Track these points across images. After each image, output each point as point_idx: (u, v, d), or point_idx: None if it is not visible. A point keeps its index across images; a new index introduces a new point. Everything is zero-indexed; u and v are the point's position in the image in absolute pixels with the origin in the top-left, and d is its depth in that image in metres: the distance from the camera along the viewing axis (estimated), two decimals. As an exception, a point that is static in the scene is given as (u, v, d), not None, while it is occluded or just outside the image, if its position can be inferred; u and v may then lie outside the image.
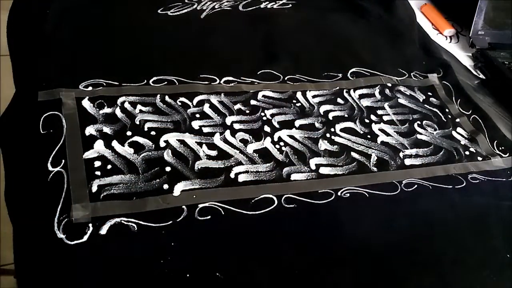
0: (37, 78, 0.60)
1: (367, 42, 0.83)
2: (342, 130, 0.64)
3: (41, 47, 0.65)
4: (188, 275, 0.45)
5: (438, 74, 0.79)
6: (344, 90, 0.71)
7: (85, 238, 0.45)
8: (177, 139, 0.57)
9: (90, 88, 0.60)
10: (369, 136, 0.64)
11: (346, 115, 0.67)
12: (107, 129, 0.56)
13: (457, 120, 0.71)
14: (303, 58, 0.75)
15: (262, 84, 0.68)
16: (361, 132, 0.64)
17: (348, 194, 0.55)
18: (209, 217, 0.50)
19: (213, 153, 0.56)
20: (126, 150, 0.54)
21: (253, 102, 0.65)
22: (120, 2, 0.78)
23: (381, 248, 0.51)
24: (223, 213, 0.50)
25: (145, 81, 0.63)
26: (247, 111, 0.63)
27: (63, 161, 0.51)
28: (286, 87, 0.68)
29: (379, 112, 0.69)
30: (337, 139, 0.62)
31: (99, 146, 0.54)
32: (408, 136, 0.66)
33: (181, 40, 0.73)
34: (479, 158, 0.65)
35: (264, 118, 0.63)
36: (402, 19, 0.90)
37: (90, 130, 0.55)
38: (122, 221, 0.47)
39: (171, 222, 0.48)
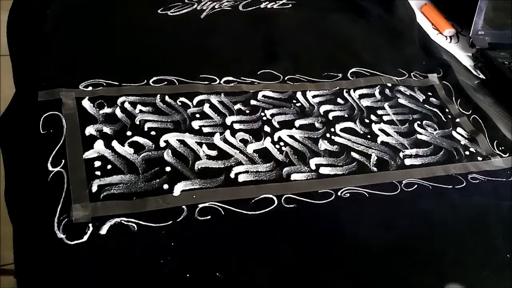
0: (37, 78, 0.60)
1: (367, 42, 0.83)
2: (342, 130, 0.64)
3: (41, 47, 0.65)
4: (188, 275, 0.45)
5: (438, 74, 0.79)
6: (344, 90, 0.71)
7: (85, 238, 0.45)
8: (177, 139, 0.57)
9: (90, 88, 0.60)
10: (369, 136, 0.64)
11: (346, 115, 0.67)
12: (107, 129, 0.56)
13: (457, 120, 0.71)
14: (303, 58, 0.75)
15: (262, 84, 0.68)
16: (361, 132, 0.64)
17: (348, 194, 0.55)
18: (209, 217, 0.50)
19: (213, 153, 0.56)
20: (126, 150, 0.54)
21: (253, 102, 0.65)
22: (120, 2, 0.78)
23: (381, 248, 0.51)
24: (223, 213, 0.50)
25: (145, 81, 0.63)
26: (247, 111, 0.63)
27: (63, 161, 0.51)
28: (286, 87, 0.68)
29: (379, 112, 0.69)
30: (337, 139, 0.62)
31: (99, 146, 0.54)
32: (408, 136, 0.66)
33: (181, 40, 0.73)
34: (479, 158, 0.65)
35: (264, 118, 0.63)
36: (402, 19, 0.90)
37: (90, 130, 0.55)
38: (122, 221, 0.47)
39: (171, 222, 0.48)
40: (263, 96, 0.66)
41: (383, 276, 0.49)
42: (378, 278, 0.49)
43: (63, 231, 0.45)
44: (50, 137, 0.53)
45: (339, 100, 0.69)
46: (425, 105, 0.72)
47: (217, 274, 0.45)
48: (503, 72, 0.81)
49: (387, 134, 0.65)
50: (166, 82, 0.64)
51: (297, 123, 0.63)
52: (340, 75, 0.73)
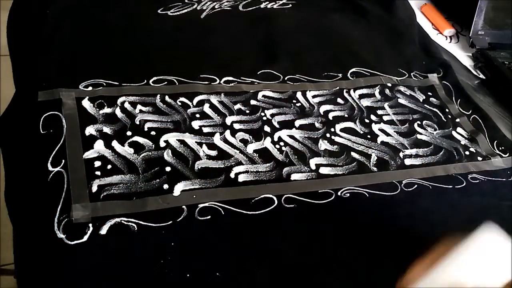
0: (37, 78, 0.60)
1: (367, 42, 0.83)
2: (342, 130, 0.64)
3: (41, 47, 0.65)
4: (188, 275, 0.45)
5: (438, 74, 0.79)
6: (344, 90, 0.71)
7: (85, 238, 0.45)
8: (177, 139, 0.57)
9: (90, 88, 0.60)
10: (369, 136, 0.64)
11: (346, 115, 0.67)
12: (107, 129, 0.56)
13: (457, 120, 0.71)
14: (303, 58, 0.75)
15: (262, 84, 0.68)
16: (361, 132, 0.64)
17: (348, 194, 0.55)
18: (209, 217, 0.50)
19: (213, 153, 0.56)
20: (126, 150, 0.54)
21: (253, 102, 0.65)
22: (120, 2, 0.78)
23: (381, 248, 0.51)
24: (223, 213, 0.50)
25: (145, 81, 0.63)
26: (247, 111, 0.63)
27: (63, 161, 0.51)
28: (286, 87, 0.68)
29: (379, 112, 0.69)
30: (337, 139, 0.62)
31: (99, 146, 0.54)
32: (408, 136, 0.66)
33: (181, 40, 0.73)
34: (479, 158, 0.65)
35: (264, 118, 0.63)
36: (402, 19, 0.90)
37: (90, 130, 0.55)
38: (122, 221, 0.47)
39: (171, 222, 0.48)
40: (263, 96, 0.66)
41: (383, 276, 0.49)
42: (378, 278, 0.49)
43: (63, 231, 0.45)
44: (50, 137, 0.53)
45: (339, 100, 0.69)
46: (425, 105, 0.72)
47: (217, 274, 0.45)
48: (503, 72, 0.81)
49: (387, 134, 0.65)
50: (166, 82, 0.64)
51: (297, 123, 0.63)
52: (340, 75, 0.73)
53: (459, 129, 0.69)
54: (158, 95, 0.62)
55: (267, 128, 0.61)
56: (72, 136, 0.54)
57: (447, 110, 0.72)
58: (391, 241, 0.52)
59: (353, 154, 0.61)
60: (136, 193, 0.50)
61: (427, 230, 0.55)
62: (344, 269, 0.49)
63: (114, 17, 0.74)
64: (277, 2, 0.88)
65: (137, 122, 0.58)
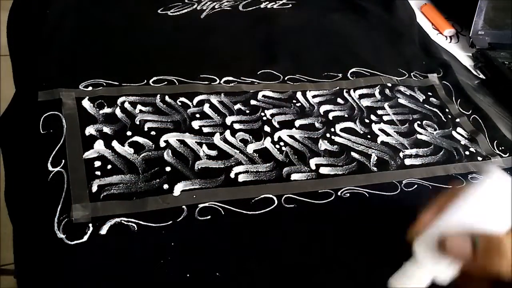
0: (37, 78, 0.60)
1: (367, 42, 0.83)
2: (342, 130, 0.64)
3: (41, 47, 0.65)
4: (188, 275, 0.45)
5: (438, 74, 0.79)
6: (344, 90, 0.71)
7: (85, 238, 0.45)
8: (177, 139, 0.57)
9: (90, 88, 0.60)
10: (369, 136, 0.64)
11: (346, 115, 0.67)
12: (107, 129, 0.56)
13: (457, 120, 0.71)
14: (303, 58, 0.75)
15: (262, 84, 0.68)
16: (361, 132, 0.64)
17: (348, 194, 0.55)
18: (209, 217, 0.50)
19: (213, 153, 0.56)
20: (126, 150, 0.54)
21: (253, 102, 0.65)
22: (120, 2, 0.78)
23: (381, 248, 0.51)
24: (223, 213, 0.50)
25: (145, 81, 0.63)
26: (247, 111, 0.63)
27: (63, 161, 0.51)
28: (286, 87, 0.68)
29: (379, 112, 0.69)
30: (337, 139, 0.63)
31: (99, 146, 0.54)
32: (408, 136, 0.66)
33: (181, 40, 0.73)
34: (479, 158, 0.65)
35: (264, 118, 0.63)
36: (402, 19, 0.90)
37: (90, 130, 0.55)
38: (122, 221, 0.47)
39: (171, 222, 0.48)
40: (263, 96, 0.66)
41: (383, 276, 0.49)
42: (378, 278, 0.49)
43: (63, 231, 0.45)
44: (50, 137, 0.53)
45: (339, 100, 0.69)
46: (425, 105, 0.72)
47: (217, 274, 0.45)
48: (503, 72, 0.81)
49: (387, 134, 0.65)
50: (166, 82, 0.64)
51: (297, 123, 0.63)
52: (340, 75, 0.73)
53: (459, 129, 0.69)
54: (158, 95, 0.62)
55: (267, 128, 0.61)
56: (72, 136, 0.54)
57: (447, 110, 0.72)
58: (391, 241, 0.52)
59: (353, 154, 0.61)
60: (136, 193, 0.50)
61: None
62: (344, 269, 0.49)
63: (114, 17, 0.74)
64: (277, 2, 0.88)
65: (137, 122, 0.58)
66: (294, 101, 0.67)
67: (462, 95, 0.75)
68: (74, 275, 0.43)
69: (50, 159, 0.51)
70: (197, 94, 0.63)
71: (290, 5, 0.88)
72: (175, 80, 0.64)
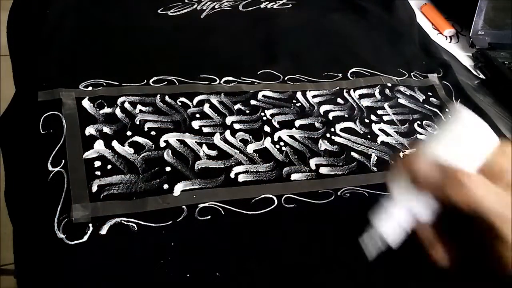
0: (37, 78, 0.60)
1: (367, 42, 0.83)
2: (342, 130, 0.64)
3: (41, 47, 0.65)
4: (188, 275, 0.45)
5: (438, 74, 0.79)
6: (344, 90, 0.71)
7: (85, 238, 0.45)
8: (177, 139, 0.57)
9: (90, 88, 0.60)
10: (369, 136, 0.64)
11: (346, 115, 0.67)
12: (107, 129, 0.56)
13: (457, 120, 0.71)
14: (303, 58, 0.75)
15: (262, 84, 0.68)
16: (361, 132, 0.64)
17: (348, 194, 0.55)
18: (209, 217, 0.50)
19: (213, 153, 0.56)
20: (126, 150, 0.54)
21: (253, 102, 0.65)
22: (120, 2, 0.78)
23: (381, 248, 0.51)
24: (223, 213, 0.50)
25: (145, 81, 0.63)
26: (247, 111, 0.63)
27: (63, 161, 0.51)
28: (286, 87, 0.68)
29: (379, 112, 0.69)
30: (337, 139, 0.63)
31: (99, 146, 0.54)
32: (408, 136, 0.66)
33: (181, 40, 0.73)
34: (479, 158, 0.65)
35: (264, 118, 0.63)
36: (402, 19, 0.90)
37: (90, 130, 0.55)
38: (122, 221, 0.47)
39: (171, 222, 0.48)
40: (263, 96, 0.66)
41: (383, 276, 0.49)
42: (378, 278, 0.49)
43: (63, 231, 0.45)
44: (50, 137, 0.53)
45: (339, 100, 0.69)
46: (425, 105, 0.72)
47: (217, 274, 0.45)
48: (503, 72, 0.81)
49: (387, 134, 0.65)
50: (166, 82, 0.64)
51: (297, 123, 0.63)
52: (340, 75, 0.73)
53: (459, 129, 0.69)
54: (158, 95, 0.62)
55: (267, 128, 0.61)
56: (72, 136, 0.54)
57: (447, 110, 0.72)
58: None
59: (353, 154, 0.61)
60: (136, 193, 0.50)
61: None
62: (344, 269, 0.49)
63: (114, 17, 0.74)
64: (277, 2, 0.88)
65: (137, 122, 0.58)
66: (294, 101, 0.67)
67: (462, 95, 0.75)
68: (74, 275, 0.43)
69: (50, 159, 0.51)
70: (197, 94, 0.63)
71: (290, 5, 0.88)
72: (175, 80, 0.64)
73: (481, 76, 0.84)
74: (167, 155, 0.54)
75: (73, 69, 0.63)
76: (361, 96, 0.71)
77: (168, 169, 0.53)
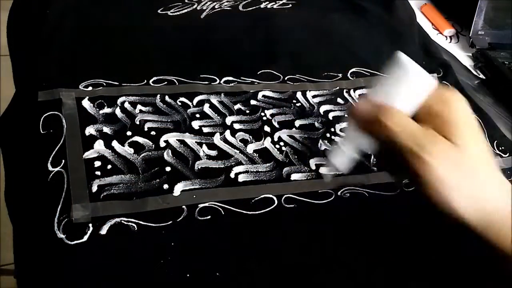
0: (37, 78, 0.60)
1: (367, 42, 0.83)
2: (342, 130, 0.64)
3: (41, 47, 0.65)
4: (188, 275, 0.45)
5: (438, 74, 0.79)
6: (344, 90, 0.71)
7: (85, 238, 0.45)
8: (177, 139, 0.57)
9: (90, 88, 0.60)
10: (369, 136, 0.64)
11: (346, 115, 0.67)
12: (107, 129, 0.56)
13: (457, 120, 0.71)
14: (303, 58, 0.75)
15: (262, 84, 0.68)
16: (361, 132, 0.64)
17: (348, 194, 0.55)
18: (209, 217, 0.50)
19: (213, 153, 0.56)
20: (126, 150, 0.54)
21: (253, 102, 0.65)
22: (120, 2, 0.78)
23: (381, 248, 0.51)
24: (223, 213, 0.50)
25: (145, 81, 0.63)
26: (247, 111, 0.63)
27: (63, 161, 0.51)
28: (286, 87, 0.68)
29: (379, 112, 0.69)
30: (337, 139, 0.63)
31: (99, 146, 0.54)
32: (408, 136, 0.66)
33: (181, 40, 0.73)
34: (479, 158, 0.65)
35: (264, 118, 0.63)
36: (402, 19, 0.90)
37: (90, 130, 0.55)
38: (122, 221, 0.47)
39: (171, 222, 0.48)
40: (263, 96, 0.66)
41: (383, 276, 0.49)
42: (378, 278, 0.49)
43: (63, 231, 0.45)
44: (50, 137, 0.53)
45: (339, 100, 0.69)
46: (425, 105, 0.72)
47: (217, 274, 0.45)
48: (503, 72, 0.81)
49: (387, 134, 0.65)
50: (166, 82, 0.64)
51: (297, 123, 0.63)
52: (340, 75, 0.73)
53: (459, 129, 0.69)
54: (158, 95, 0.62)
55: (267, 128, 0.61)
56: (72, 136, 0.54)
57: (447, 110, 0.72)
58: (391, 241, 0.52)
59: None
60: (136, 193, 0.50)
61: (427, 230, 0.55)
62: (344, 269, 0.49)
63: (114, 17, 0.74)
64: (277, 2, 0.88)
65: (137, 122, 0.58)
66: (294, 101, 0.67)
67: (462, 95, 0.75)
68: (74, 275, 0.43)
69: (50, 159, 0.51)
70: (197, 94, 0.63)
71: (290, 5, 0.88)
72: (175, 80, 0.64)
73: (481, 76, 0.84)
74: (167, 155, 0.54)
75: (73, 69, 0.63)
76: (361, 96, 0.71)
77: (168, 169, 0.53)
